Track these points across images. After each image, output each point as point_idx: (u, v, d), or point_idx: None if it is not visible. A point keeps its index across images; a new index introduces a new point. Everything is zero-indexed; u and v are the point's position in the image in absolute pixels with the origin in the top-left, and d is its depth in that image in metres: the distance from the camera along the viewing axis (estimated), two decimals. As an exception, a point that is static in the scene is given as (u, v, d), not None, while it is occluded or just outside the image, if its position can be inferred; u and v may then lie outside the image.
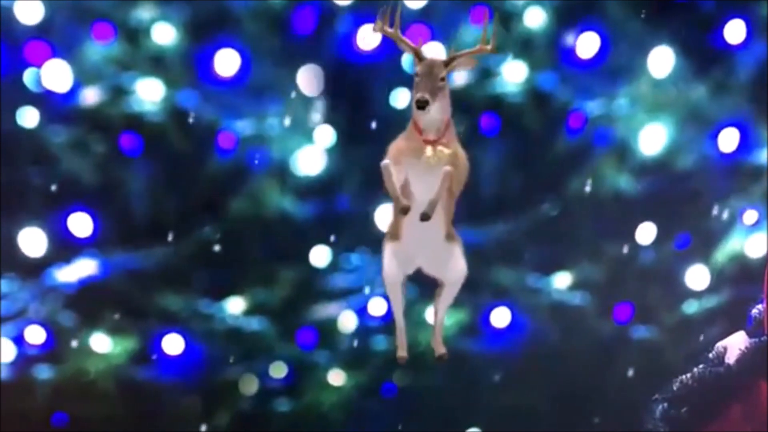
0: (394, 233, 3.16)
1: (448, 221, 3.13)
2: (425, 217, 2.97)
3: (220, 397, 5.02)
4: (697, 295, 5.21)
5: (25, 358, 4.89)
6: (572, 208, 5.08)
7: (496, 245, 5.01)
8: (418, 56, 3.04)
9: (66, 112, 4.77)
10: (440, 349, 3.25)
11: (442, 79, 3.00)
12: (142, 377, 4.96)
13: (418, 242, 3.14)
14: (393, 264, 3.18)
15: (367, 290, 4.96)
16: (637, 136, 5.09)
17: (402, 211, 2.99)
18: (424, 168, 3.01)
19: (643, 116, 5.07)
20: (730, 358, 3.81)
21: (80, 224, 4.85)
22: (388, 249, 3.19)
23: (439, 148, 3.00)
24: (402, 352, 3.25)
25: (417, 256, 3.18)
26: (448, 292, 3.23)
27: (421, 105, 2.95)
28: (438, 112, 3.00)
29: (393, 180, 2.99)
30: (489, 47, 3.06)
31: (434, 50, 4.77)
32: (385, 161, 3.01)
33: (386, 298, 5.03)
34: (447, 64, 3.02)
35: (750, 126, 5.13)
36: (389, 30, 3.05)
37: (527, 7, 4.91)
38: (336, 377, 5.06)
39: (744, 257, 5.20)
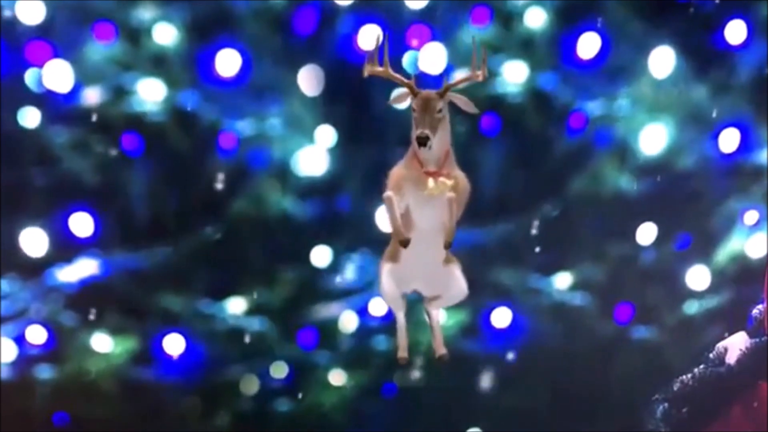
0: (393, 257, 3.17)
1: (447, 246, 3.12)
2: (447, 245, 2.98)
3: (220, 397, 5.02)
4: (698, 295, 5.21)
5: (27, 357, 4.90)
6: (573, 209, 5.08)
7: (496, 245, 5.01)
8: (412, 90, 3.02)
9: (67, 113, 4.77)
10: (440, 350, 3.25)
11: (440, 111, 2.99)
12: (143, 377, 4.96)
13: (417, 267, 3.15)
14: (391, 284, 3.18)
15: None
16: (638, 137, 5.09)
17: (402, 244, 2.98)
18: (425, 199, 3.01)
19: (644, 116, 5.07)
20: (731, 359, 3.81)
21: (81, 224, 4.85)
22: (386, 269, 3.19)
23: (441, 179, 2.99)
24: (402, 353, 3.26)
25: (415, 279, 3.20)
26: (443, 302, 3.24)
27: (422, 141, 2.94)
28: (438, 145, 2.99)
29: (395, 211, 2.99)
30: (479, 74, 3.05)
31: (434, 51, 4.80)
32: (388, 193, 3.01)
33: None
34: (441, 95, 3.01)
35: (750, 126, 5.13)
36: (379, 69, 3.05)
37: (528, 8, 4.91)
38: (337, 377, 5.06)
39: (744, 257, 5.20)
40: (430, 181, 3.00)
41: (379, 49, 3.04)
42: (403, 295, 3.25)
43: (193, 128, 4.83)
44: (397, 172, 3.07)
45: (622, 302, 5.19)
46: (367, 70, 3.05)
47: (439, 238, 3.05)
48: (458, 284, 3.19)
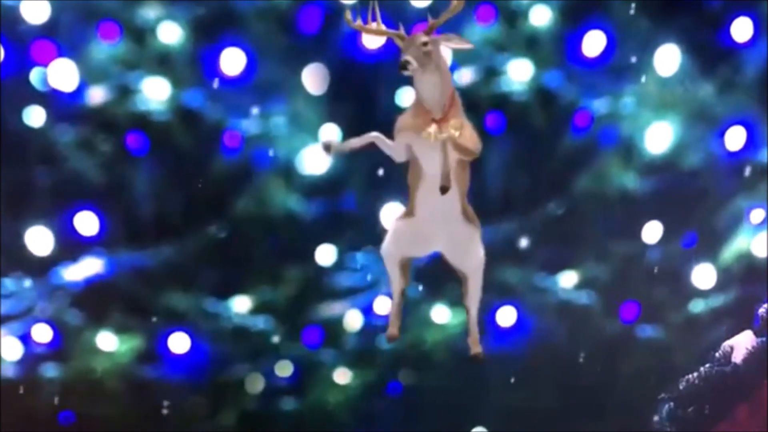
0: (409, 210, 3.17)
1: (462, 195, 3.12)
2: (444, 190, 2.98)
3: (225, 396, 5.02)
4: (704, 294, 5.19)
5: (32, 356, 4.91)
6: (578, 207, 5.06)
7: (502, 244, 5.00)
8: (402, 38, 3.10)
9: (72, 112, 4.77)
10: (476, 348, 3.24)
11: (425, 44, 3.04)
12: (149, 376, 4.97)
13: (435, 219, 3.13)
14: (395, 243, 3.18)
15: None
16: (644, 135, 5.07)
17: (442, 190, 2.99)
18: (430, 145, 3.04)
19: (650, 115, 5.06)
20: (737, 358, 3.80)
21: (87, 223, 4.86)
22: (395, 225, 3.21)
23: (447, 125, 3.02)
24: (392, 329, 3.24)
25: (435, 235, 3.16)
26: (473, 286, 3.24)
27: (403, 65, 3.00)
28: (437, 88, 3.03)
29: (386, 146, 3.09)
30: (453, 6, 3.09)
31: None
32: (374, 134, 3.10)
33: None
34: (426, 33, 3.07)
35: (756, 124, 5.11)
36: (369, 26, 3.09)
37: (533, 6, 4.90)
38: (341, 376, 5.06)
39: (751, 256, 5.18)
40: (432, 127, 3.01)
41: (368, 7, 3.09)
42: (407, 265, 3.22)
43: (197, 127, 4.83)
44: (404, 117, 3.12)
45: (628, 301, 5.18)
46: (357, 26, 3.11)
47: (454, 185, 3.04)
48: (477, 251, 3.17)
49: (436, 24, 3.07)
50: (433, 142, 3.02)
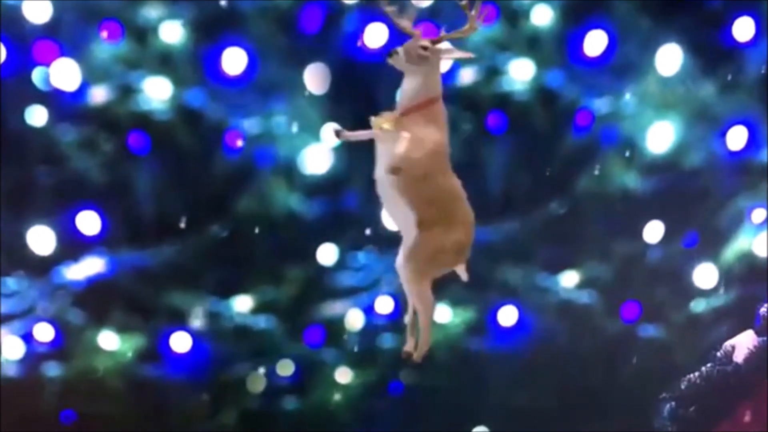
0: None
1: (419, 206, 3.11)
2: (394, 170, 3.05)
3: (227, 395, 5.03)
4: (705, 293, 5.19)
5: (34, 355, 4.91)
6: (580, 207, 5.07)
7: (503, 244, 5.01)
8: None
9: (74, 111, 4.78)
10: (409, 348, 3.24)
11: (424, 48, 3.05)
12: (150, 375, 4.97)
13: (398, 224, 3.19)
14: (399, 254, 3.21)
15: None
16: (645, 134, 5.08)
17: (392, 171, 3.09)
18: (378, 146, 3.12)
19: (651, 114, 5.06)
20: (739, 357, 3.81)
21: (88, 222, 4.86)
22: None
23: (385, 114, 3.07)
24: (406, 348, 3.26)
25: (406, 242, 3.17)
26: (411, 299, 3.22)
27: (390, 53, 3.05)
28: (410, 85, 3.05)
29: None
30: (467, 27, 3.12)
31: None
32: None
33: (392, 296, 5.05)
34: (433, 42, 3.10)
35: (758, 124, 5.12)
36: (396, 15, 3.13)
37: (534, 5, 4.90)
38: (343, 375, 5.06)
39: (752, 256, 5.19)
40: (376, 118, 3.09)
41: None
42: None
43: (199, 127, 4.84)
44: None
45: (629, 300, 5.18)
46: (388, 11, 3.11)
47: (400, 198, 3.09)
48: (402, 254, 3.14)
49: (445, 38, 3.11)
50: (375, 130, 3.08)
